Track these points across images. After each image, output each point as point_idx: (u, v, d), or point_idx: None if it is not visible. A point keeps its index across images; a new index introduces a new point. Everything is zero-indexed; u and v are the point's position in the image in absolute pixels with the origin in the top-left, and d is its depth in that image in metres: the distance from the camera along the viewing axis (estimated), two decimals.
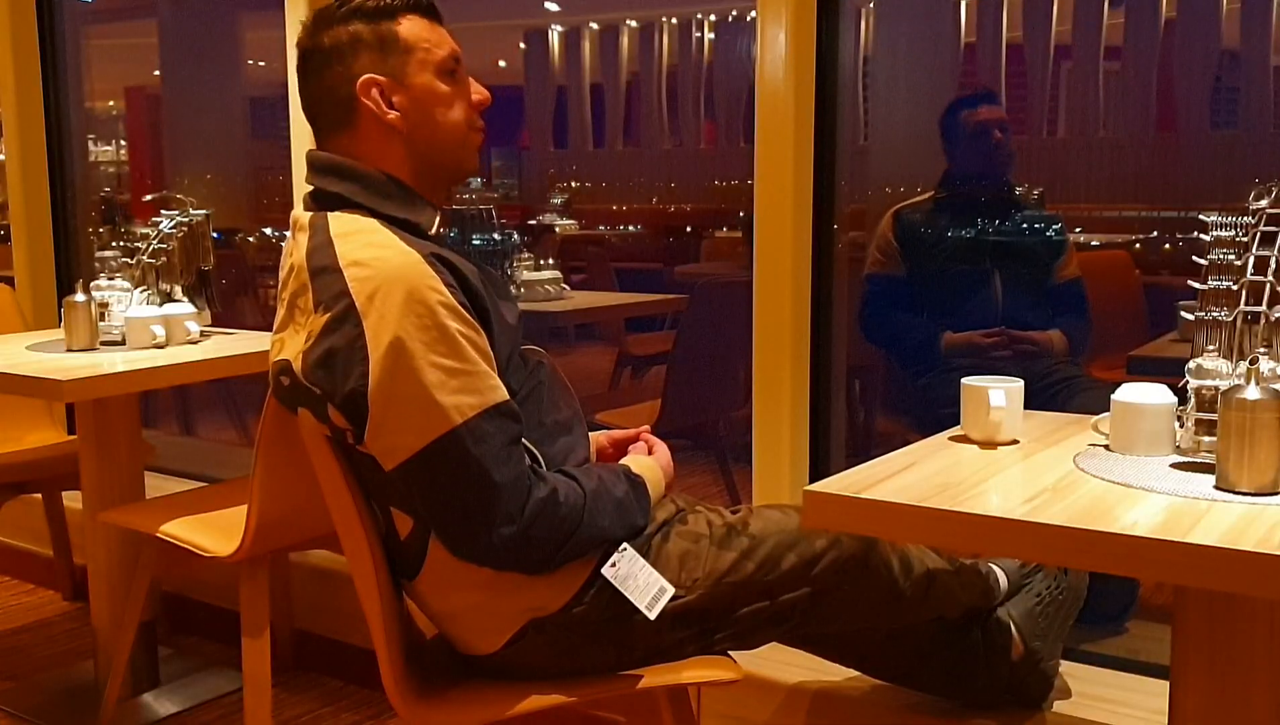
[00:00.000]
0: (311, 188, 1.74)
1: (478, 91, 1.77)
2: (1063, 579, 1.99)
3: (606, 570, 1.65)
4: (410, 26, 1.71)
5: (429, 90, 1.71)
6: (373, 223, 1.65)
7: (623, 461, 1.80)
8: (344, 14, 1.71)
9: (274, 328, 1.70)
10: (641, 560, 1.67)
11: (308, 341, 1.58)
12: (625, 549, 1.67)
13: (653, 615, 1.64)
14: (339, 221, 1.65)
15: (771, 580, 1.71)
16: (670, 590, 1.66)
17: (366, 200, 1.68)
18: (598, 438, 1.92)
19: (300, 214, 1.71)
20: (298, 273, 1.63)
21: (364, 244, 1.60)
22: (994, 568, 1.96)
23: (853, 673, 2.04)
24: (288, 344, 1.64)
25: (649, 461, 1.81)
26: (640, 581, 1.65)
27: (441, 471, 1.55)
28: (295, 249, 1.67)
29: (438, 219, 1.75)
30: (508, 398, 1.59)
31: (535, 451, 1.66)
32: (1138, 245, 3.80)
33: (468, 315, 1.59)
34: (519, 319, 1.75)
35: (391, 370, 1.53)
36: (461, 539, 1.60)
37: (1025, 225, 2.94)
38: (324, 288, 1.58)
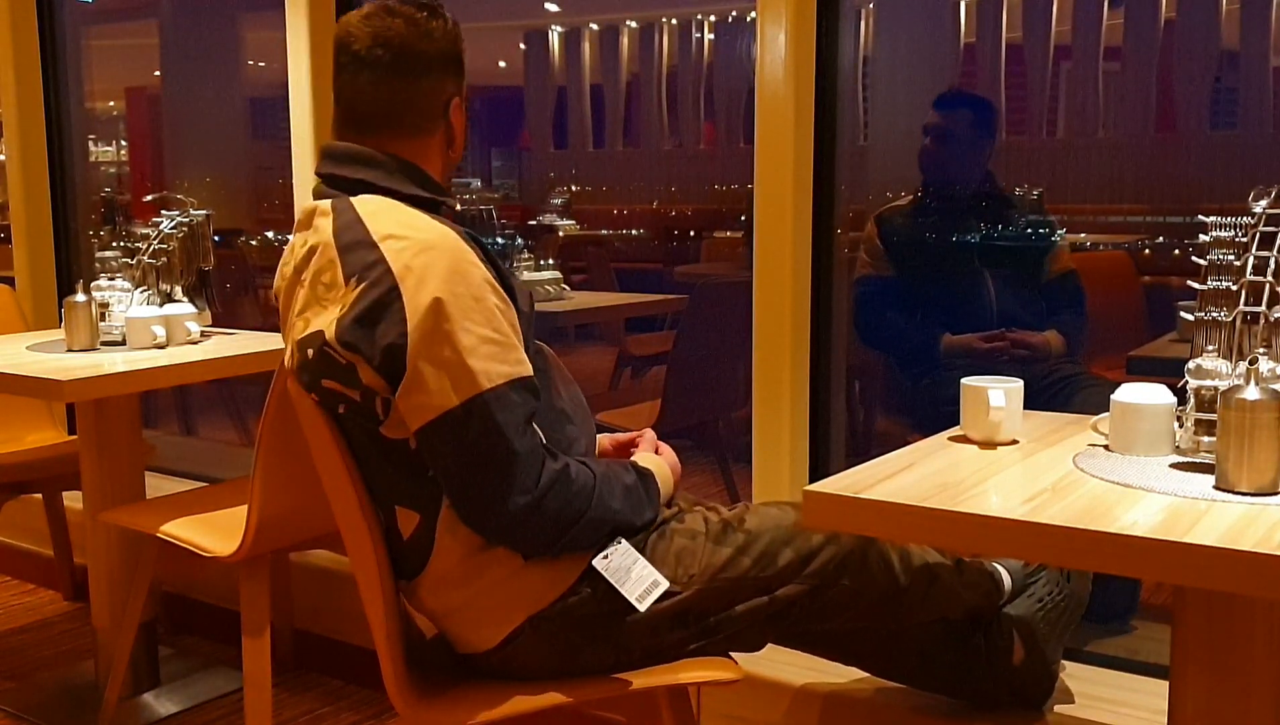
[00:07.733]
0: (319, 179, 1.76)
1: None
2: (1065, 584, 1.99)
3: (598, 562, 1.66)
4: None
5: (462, 117, 1.83)
6: (398, 203, 1.70)
7: (631, 459, 1.82)
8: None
9: (295, 312, 1.69)
10: (635, 554, 1.68)
11: (342, 310, 1.60)
12: (620, 542, 1.68)
13: (643, 608, 1.65)
14: (364, 202, 1.69)
15: (769, 576, 1.71)
16: (664, 584, 1.67)
17: (389, 182, 1.72)
18: (600, 439, 1.92)
19: (316, 202, 1.73)
20: (323, 250, 1.65)
21: (395, 221, 1.65)
22: (998, 567, 1.95)
23: (856, 674, 2.04)
24: (314, 321, 1.65)
25: (657, 459, 1.83)
26: (633, 575, 1.66)
27: (466, 434, 1.57)
28: (315, 233, 1.69)
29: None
30: (532, 374, 1.63)
31: (542, 434, 1.67)
32: (1146, 250, 3.80)
33: (502, 291, 1.64)
34: (530, 306, 1.79)
35: (430, 330, 1.56)
36: (477, 506, 1.61)
37: (1012, 225, 2.93)
38: (355, 261, 1.61)
